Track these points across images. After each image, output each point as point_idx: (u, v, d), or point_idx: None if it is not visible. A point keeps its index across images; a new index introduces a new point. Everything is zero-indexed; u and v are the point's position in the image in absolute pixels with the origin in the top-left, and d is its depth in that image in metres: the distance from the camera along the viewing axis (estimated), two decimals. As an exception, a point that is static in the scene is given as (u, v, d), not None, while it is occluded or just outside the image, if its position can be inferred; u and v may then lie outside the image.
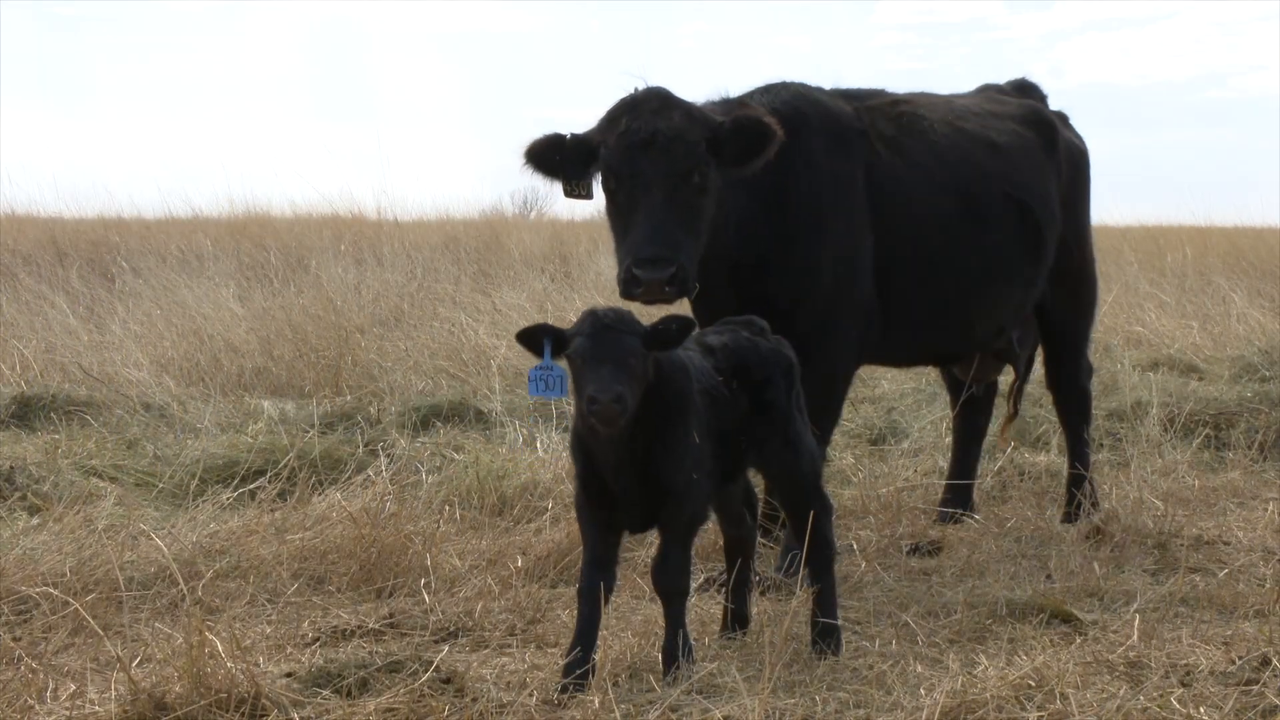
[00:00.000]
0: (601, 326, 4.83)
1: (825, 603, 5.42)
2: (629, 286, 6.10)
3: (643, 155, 6.19)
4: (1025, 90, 8.17)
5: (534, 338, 4.94)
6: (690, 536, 5.13)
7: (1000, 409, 8.43)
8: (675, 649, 5.03)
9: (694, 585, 6.09)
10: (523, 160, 6.47)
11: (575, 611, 5.13)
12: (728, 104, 6.74)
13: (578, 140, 6.37)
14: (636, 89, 6.37)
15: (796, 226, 6.70)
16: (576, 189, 6.44)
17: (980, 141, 7.39)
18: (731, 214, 6.54)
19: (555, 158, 6.40)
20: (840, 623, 5.46)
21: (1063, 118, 8.10)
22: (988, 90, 8.13)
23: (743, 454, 5.35)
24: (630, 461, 4.95)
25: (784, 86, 6.99)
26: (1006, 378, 8.37)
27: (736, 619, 5.58)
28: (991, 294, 7.35)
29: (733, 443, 5.26)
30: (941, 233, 7.11)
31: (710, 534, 6.70)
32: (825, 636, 5.38)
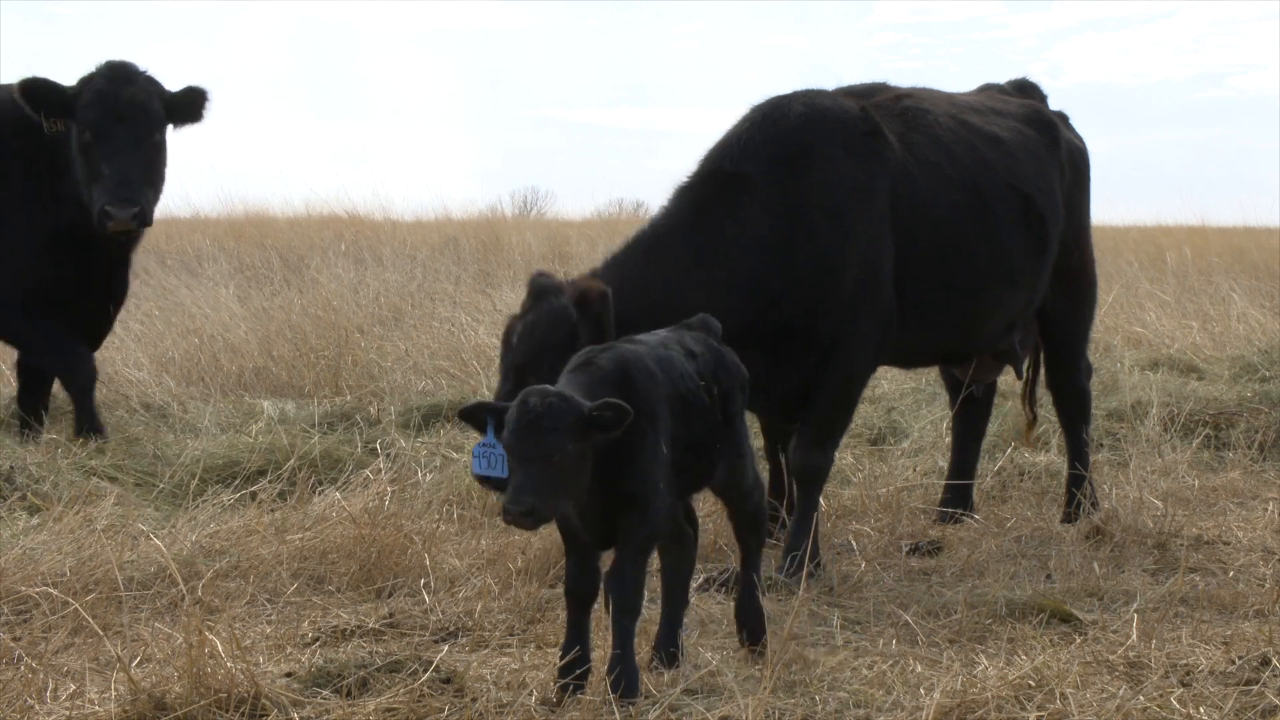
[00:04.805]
0: (525, 423, 4.61)
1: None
2: None
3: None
4: (1026, 90, 8.19)
5: (476, 416, 4.81)
6: (648, 551, 4.96)
7: (1000, 409, 8.43)
8: (617, 675, 4.78)
9: (694, 585, 6.09)
10: None
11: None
12: (704, 176, 6.83)
13: None
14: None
15: (819, 235, 6.73)
16: None
17: (984, 136, 7.41)
18: (749, 251, 6.64)
19: None
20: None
21: (1063, 118, 8.11)
22: (988, 90, 8.14)
23: (714, 464, 5.22)
24: (595, 469, 4.76)
25: (787, 107, 6.97)
26: (1007, 378, 8.37)
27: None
28: (1001, 290, 7.37)
29: (712, 453, 5.16)
30: (951, 228, 7.12)
31: (710, 534, 6.71)
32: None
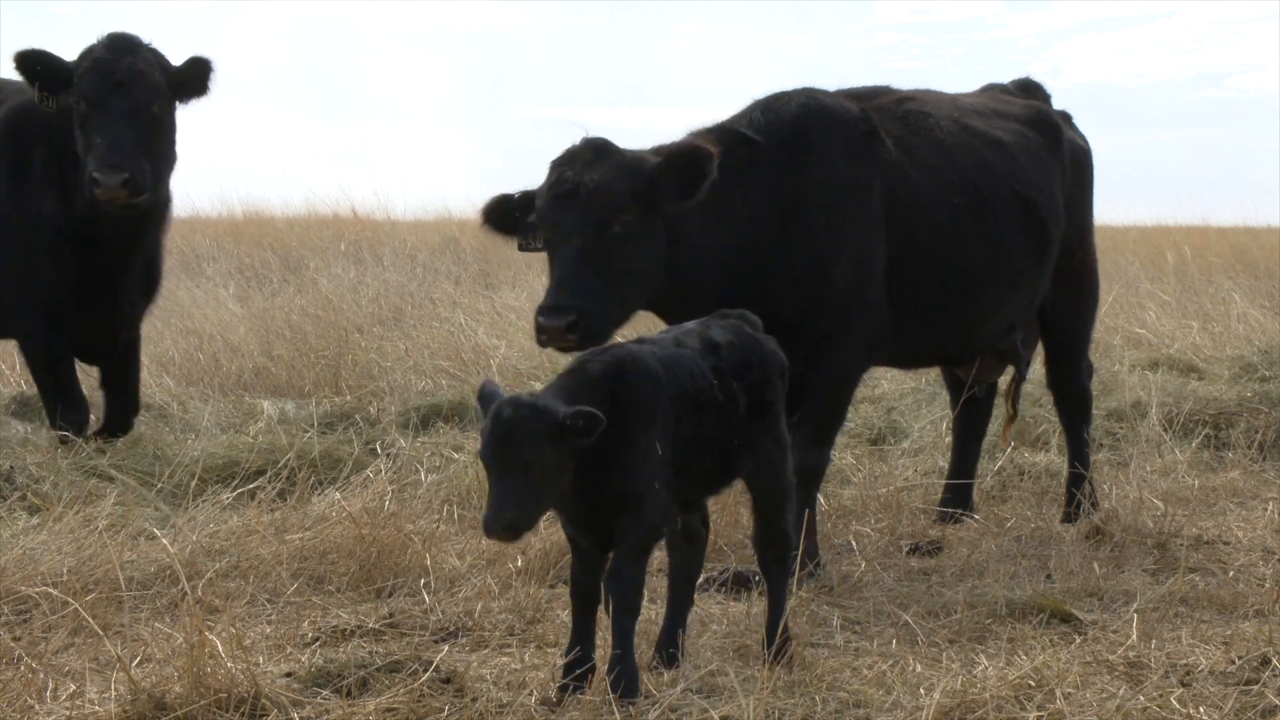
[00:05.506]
0: (499, 435, 4.61)
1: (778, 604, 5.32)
2: (537, 335, 6.28)
3: (564, 206, 6.32)
4: (1029, 90, 8.19)
5: (486, 399, 4.76)
6: (647, 551, 4.94)
7: (1000, 409, 8.43)
8: (617, 675, 4.79)
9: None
10: (480, 223, 6.71)
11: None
12: (716, 131, 6.79)
13: (525, 195, 6.53)
14: (581, 140, 6.46)
15: (811, 232, 6.73)
16: (530, 243, 6.59)
17: (986, 139, 7.41)
18: (736, 229, 6.61)
19: (512, 215, 6.57)
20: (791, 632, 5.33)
21: (1066, 117, 8.11)
22: (992, 90, 8.14)
23: (738, 460, 5.20)
24: (583, 471, 4.75)
25: (789, 98, 6.98)
26: (1005, 377, 8.36)
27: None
28: (1000, 292, 7.37)
29: (726, 449, 5.13)
30: (950, 231, 7.12)
31: (710, 534, 6.69)
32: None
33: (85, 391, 8.60)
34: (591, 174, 6.30)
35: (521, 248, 6.64)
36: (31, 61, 8.06)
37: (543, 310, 6.21)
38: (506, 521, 4.56)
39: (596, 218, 6.27)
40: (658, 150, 6.55)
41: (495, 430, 4.62)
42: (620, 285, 6.35)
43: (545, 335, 6.21)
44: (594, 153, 6.38)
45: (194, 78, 8.25)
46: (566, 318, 6.15)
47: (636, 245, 6.35)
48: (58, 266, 8.27)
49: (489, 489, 4.65)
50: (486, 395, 4.75)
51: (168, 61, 8.23)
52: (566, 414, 4.63)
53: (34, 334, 8.44)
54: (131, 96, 7.99)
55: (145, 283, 8.61)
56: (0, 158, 8.38)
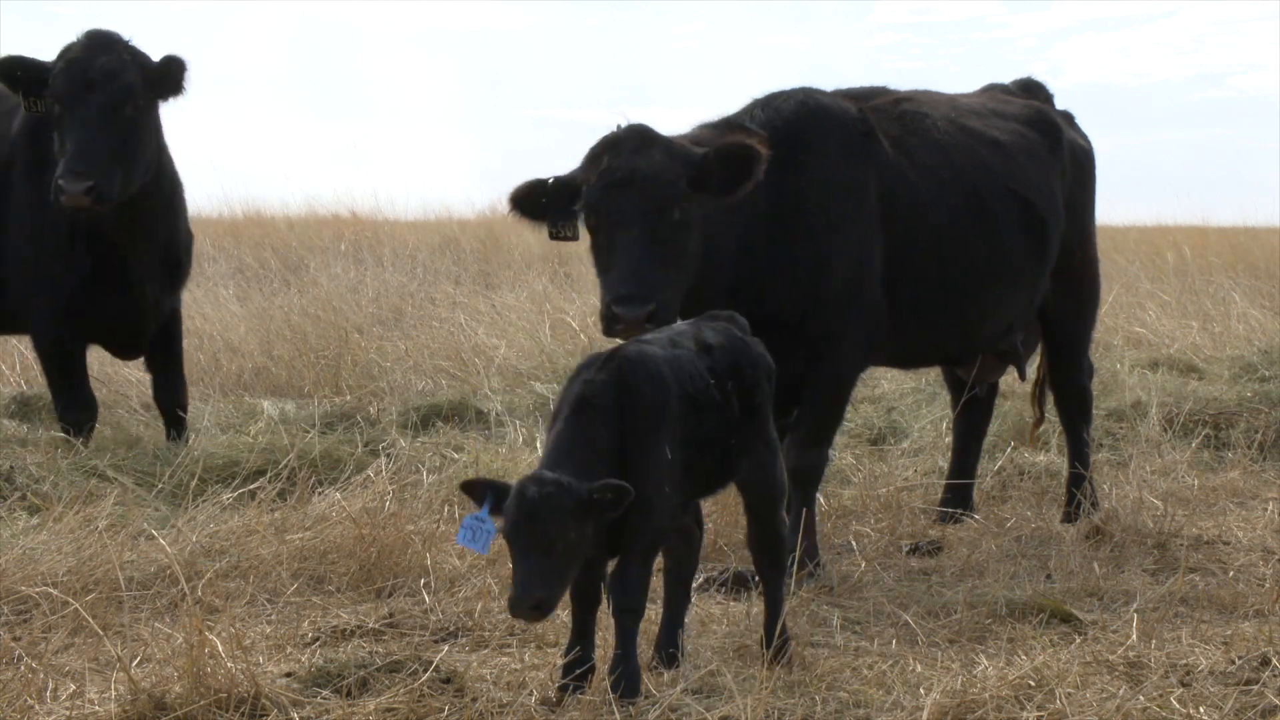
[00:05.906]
0: (524, 514, 4.61)
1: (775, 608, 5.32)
2: (610, 324, 6.14)
3: (621, 194, 6.21)
4: (1031, 90, 8.18)
5: (477, 490, 4.79)
6: (654, 553, 4.97)
7: (1000, 409, 8.44)
8: (618, 676, 4.81)
9: (694, 585, 6.09)
10: (508, 207, 6.54)
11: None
12: (722, 126, 6.75)
13: (560, 182, 6.40)
14: (619, 126, 6.39)
15: (809, 231, 6.72)
16: (561, 231, 6.48)
17: (983, 139, 7.41)
18: (740, 226, 6.58)
19: (540, 201, 6.44)
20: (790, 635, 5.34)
21: (1068, 117, 8.11)
22: (993, 90, 8.14)
23: (734, 461, 5.20)
24: None
25: (787, 96, 6.97)
26: (1007, 378, 8.37)
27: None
28: (998, 292, 7.37)
29: (725, 450, 5.12)
30: (948, 231, 7.12)
31: (710, 534, 6.70)
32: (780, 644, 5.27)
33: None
34: (644, 160, 6.22)
35: (552, 236, 6.51)
36: (11, 69, 7.97)
37: (620, 300, 6.08)
38: (534, 602, 4.58)
39: (656, 204, 6.19)
40: (691, 140, 6.51)
41: (520, 508, 4.63)
42: (681, 271, 6.29)
43: (622, 325, 6.05)
44: (640, 139, 6.29)
45: (169, 76, 8.09)
46: (647, 307, 6.05)
47: (692, 231, 6.30)
48: (72, 263, 8.21)
49: (513, 567, 4.65)
50: (479, 491, 4.77)
51: (147, 59, 8.07)
52: (592, 489, 4.64)
53: (46, 331, 8.41)
54: (103, 97, 7.84)
55: (167, 268, 8.48)
56: (19, 156, 8.34)
